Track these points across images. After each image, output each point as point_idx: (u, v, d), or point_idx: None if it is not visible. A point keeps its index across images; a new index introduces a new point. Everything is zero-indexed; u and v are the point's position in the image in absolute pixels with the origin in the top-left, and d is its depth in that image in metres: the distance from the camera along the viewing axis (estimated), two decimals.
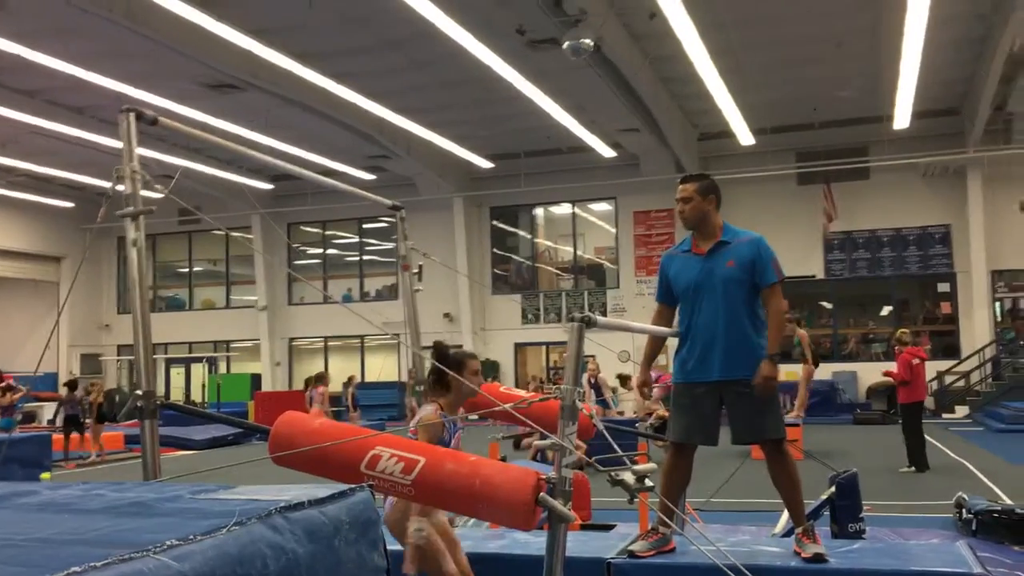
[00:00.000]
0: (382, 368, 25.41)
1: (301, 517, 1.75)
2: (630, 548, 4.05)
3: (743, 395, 4.12)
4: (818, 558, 3.81)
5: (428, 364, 4.07)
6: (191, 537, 1.51)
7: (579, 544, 4.16)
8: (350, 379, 20.78)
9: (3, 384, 16.67)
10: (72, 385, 15.97)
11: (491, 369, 24.89)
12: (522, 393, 5.95)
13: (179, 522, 1.66)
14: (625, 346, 16.80)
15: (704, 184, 4.39)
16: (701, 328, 4.24)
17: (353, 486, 2.00)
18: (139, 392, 3.86)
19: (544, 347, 25.89)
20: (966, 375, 21.67)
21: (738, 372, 4.14)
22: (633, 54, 16.21)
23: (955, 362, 21.90)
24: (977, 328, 21.78)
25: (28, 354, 26.24)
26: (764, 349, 4.17)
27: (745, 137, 20.83)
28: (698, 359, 4.23)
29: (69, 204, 27.04)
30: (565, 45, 13.80)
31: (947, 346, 22.61)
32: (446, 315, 25.20)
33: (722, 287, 4.20)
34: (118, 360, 28.64)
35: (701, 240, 4.38)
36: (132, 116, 4.08)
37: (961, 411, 20.68)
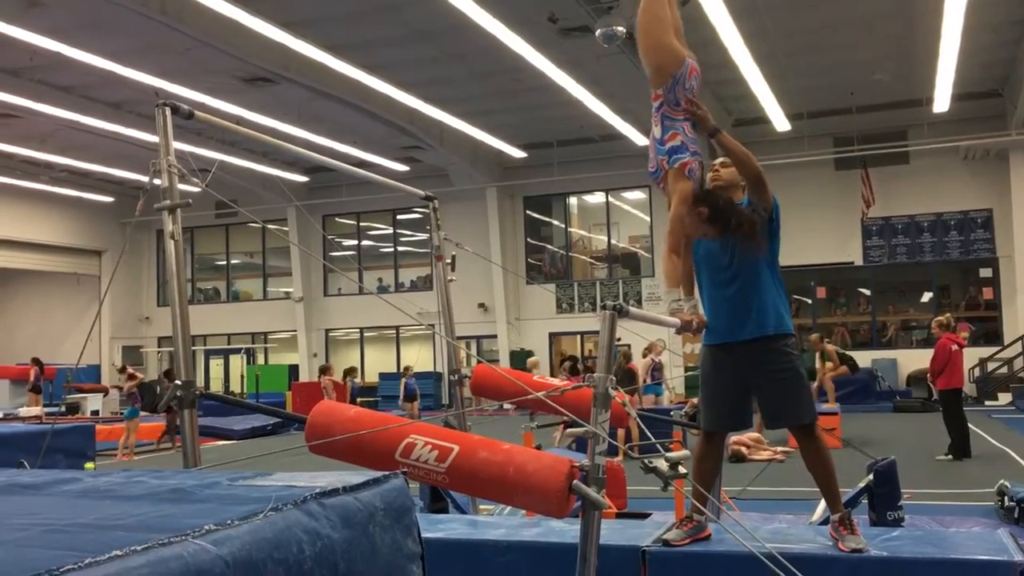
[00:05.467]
0: (418, 358, 25.56)
1: (336, 503, 1.77)
2: (665, 536, 4.04)
3: (771, 380, 4.09)
4: (856, 552, 3.77)
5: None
6: (229, 522, 1.53)
7: (614, 532, 4.16)
8: (406, 369, 20.75)
9: (128, 371, 17.09)
10: (169, 374, 16.50)
11: (525, 358, 24.90)
12: (555, 381, 5.96)
13: (217, 508, 1.68)
14: (660, 335, 16.78)
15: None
16: (715, 309, 4.21)
17: (387, 473, 2.01)
18: (179, 382, 3.92)
19: (579, 336, 25.86)
20: (1009, 362, 21.32)
21: (761, 332, 4.08)
22: None
23: (997, 349, 21.56)
24: (1020, 314, 21.38)
25: (71, 346, 26.77)
26: (781, 317, 4.14)
27: (781, 123, 20.60)
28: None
29: (109, 199, 27.47)
30: (597, 32, 13.74)
31: (989, 332, 22.25)
32: (481, 305, 25.26)
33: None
34: (159, 352, 29.08)
35: None
36: (168, 110, 4.13)
37: (1004, 398, 20.36)
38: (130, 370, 17.98)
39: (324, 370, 18.48)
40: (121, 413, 16.16)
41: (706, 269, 4.18)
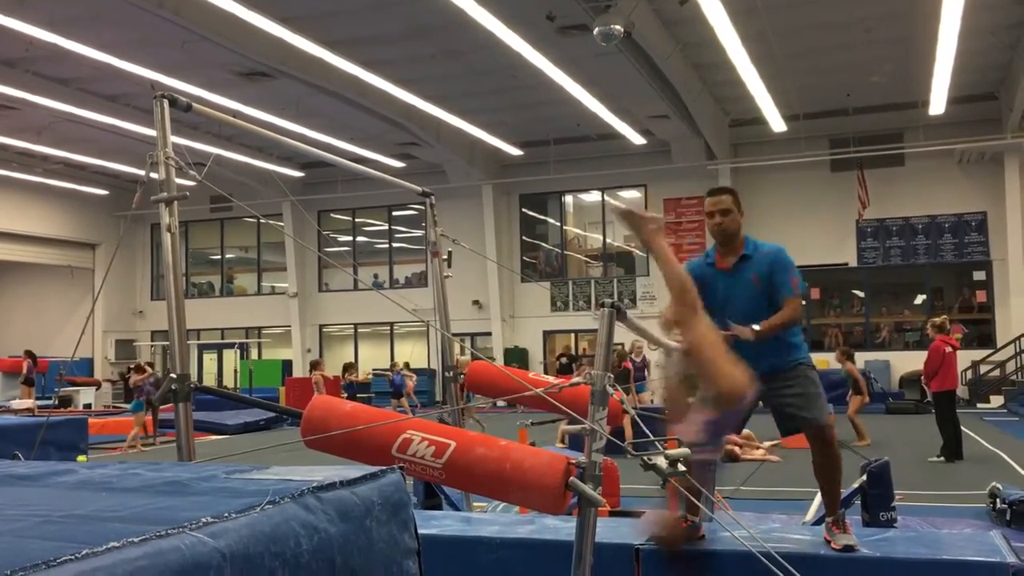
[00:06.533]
0: (411, 354, 25.54)
1: (333, 497, 1.77)
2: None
3: (783, 388, 4.12)
4: (848, 550, 3.78)
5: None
6: (226, 515, 1.53)
7: (608, 530, 4.16)
8: (393, 366, 20.68)
9: (135, 365, 17.07)
10: (140, 368, 16.52)
11: (520, 356, 24.93)
12: (551, 379, 5.95)
13: (214, 500, 1.68)
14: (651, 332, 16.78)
15: (737, 197, 4.36)
16: (735, 344, 4.20)
17: (384, 468, 2.01)
18: (174, 375, 3.91)
19: (573, 334, 25.86)
20: (1001, 364, 21.38)
21: (776, 366, 4.15)
22: (664, 40, 16.09)
23: (990, 351, 21.62)
24: (1013, 317, 21.45)
25: (64, 339, 26.68)
26: (798, 348, 4.17)
27: (777, 123, 20.62)
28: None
29: (103, 192, 27.40)
30: (595, 31, 13.73)
31: (982, 335, 22.31)
32: (475, 302, 25.25)
33: (749, 305, 4.17)
34: (152, 346, 29.03)
35: (725, 254, 4.31)
36: (165, 102, 4.12)
37: (996, 401, 20.43)
38: (141, 364, 17.94)
39: (315, 365, 18.16)
40: (116, 407, 16.16)
41: (723, 310, 4.16)
